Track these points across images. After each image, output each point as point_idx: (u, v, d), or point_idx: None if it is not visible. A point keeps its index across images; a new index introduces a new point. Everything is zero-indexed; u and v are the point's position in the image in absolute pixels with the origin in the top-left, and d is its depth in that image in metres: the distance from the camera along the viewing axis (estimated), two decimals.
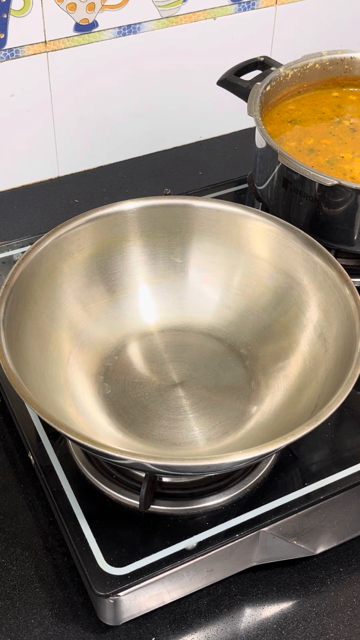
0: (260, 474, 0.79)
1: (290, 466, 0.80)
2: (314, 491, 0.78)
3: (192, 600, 0.78)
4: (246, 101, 0.97)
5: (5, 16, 1.04)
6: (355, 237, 0.91)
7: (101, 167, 1.25)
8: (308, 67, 1.03)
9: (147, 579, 0.72)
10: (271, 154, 0.92)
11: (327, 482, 0.78)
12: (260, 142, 0.95)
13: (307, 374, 0.81)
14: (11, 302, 0.78)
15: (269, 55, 1.14)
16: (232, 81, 1.02)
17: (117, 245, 0.88)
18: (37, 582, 0.79)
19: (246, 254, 0.88)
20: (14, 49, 1.07)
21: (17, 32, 1.06)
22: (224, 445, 0.80)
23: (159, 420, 0.82)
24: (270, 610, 0.78)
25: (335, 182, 0.86)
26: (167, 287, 0.90)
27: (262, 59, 1.04)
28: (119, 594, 0.71)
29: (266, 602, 0.78)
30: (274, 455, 0.80)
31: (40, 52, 1.09)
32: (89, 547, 0.74)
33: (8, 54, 1.07)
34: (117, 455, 0.67)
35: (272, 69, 1.01)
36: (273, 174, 0.94)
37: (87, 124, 1.19)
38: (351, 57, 1.04)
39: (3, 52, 1.07)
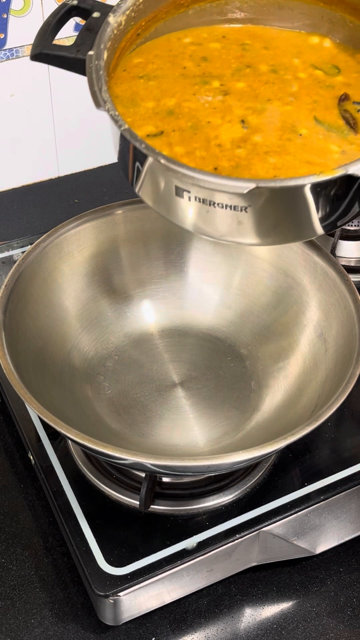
0: (260, 474, 0.79)
1: (290, 466, 0.80)
2: (314, 491, 0.78)
3: (192, 600, 0.78)
4: (79, 72, 0.73)
5: (5, 16, 1.04)
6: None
7: (101, 167, 1.25)
8: (141, 0, 0.75)
9: (147, 579, 0.72)
10: (155, 165, 0.66)
11: (327, 482, 0.78)
12: (124, 147, 0.68)
13: (307, 374, 0.81)
14: (11, 302, 0.78)
15: None
16: (53, 53, 0.73)
17: (117, 245, 0.88)
18: (37, 582, 0.79)
19: (246, 254, 0.88)
20: (14, 49, 1.07)
21: (17, 32, 1.06)
22: (224, 445, 0.80)
23: (159, 420, 0.82)
24: (270, 610, 0.78)
25: (254, 186, 0.62)
26: (167, 287, 0.90)
27: (75, 1, 0.75)
28: (119, 594, 0.71)
29: (266, 602, 0.78)
30: (274, 455, 0.80)
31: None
32: (89, 547, 0.74)
33: (8, 54, 1.07)
34: (117, 455, 0.67)
35: (95, 15, 0.74)
36: (162, 188, 0.68)
37: (87, 124, 1.19)
38: None
39: (3, 52, 1.07)
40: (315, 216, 0.66)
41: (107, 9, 0.74)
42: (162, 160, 0.64)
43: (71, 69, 0.74)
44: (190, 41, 0.79)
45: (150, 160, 0.65)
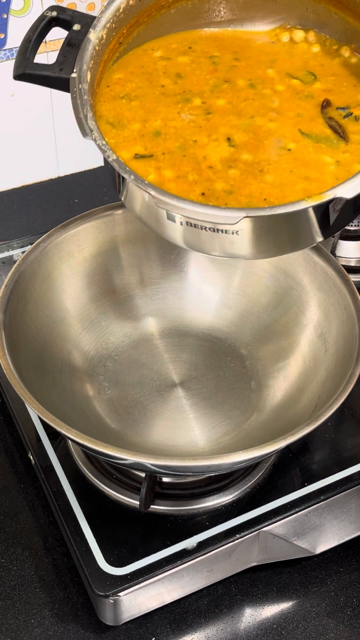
0: (260, 474, 0.79)
1: (290, 466, 0.80)
2: (314, 491, 0.78)
3: (192, 600, 0.78)
4: (63, 90, 0.71)
5: (5, 16, 1.04)
6: None
7: (101, 167, 1.25)
8: (121, 10, 0.72)
9: (147, 579, 0.72)
10: (141, 195, 0.67)
11: (327, 482, 0.78)
12: (113, 169, 0.67)
13: (307, 374, 0.81)
14: (11, 302, 0.78)
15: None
16: (35, 73, 0.72)
17: (117, 245, 0.88)
18: (37, 582, 0.79)
19: None
20: (14, 49, 1.07)
21: (17, 32, 1.06)
22: (224, 445, 0.80)
23: (159, 420, 0.82)
24: (270, 610, 0.78)
25: (243, 216, 0.62)
26: (167, 287, 0.90)
27: (54, 13, 0.74)
28: (119, 594, 0.71)
29: (266, 602, 0.78)
30: (274, 455, 0.80)
31: (40, 52, 1.09)
32: (89, 547, 0.74)
33: (8, 54, 1.07)
34: (117, 455, 0.67)
35: (76, 27, 0.72)
36: (152, 211, 0.68)
37: None
38: None
39: (3, 52, 1.07)
40: (309, 231, 0.67)
41: (87, 20, 0.72)
42: (153, 192, 0.64)
43: (55, 87, 0.72)
44: (160, 55, 0.77)
45: (140, 190, 0.65)
